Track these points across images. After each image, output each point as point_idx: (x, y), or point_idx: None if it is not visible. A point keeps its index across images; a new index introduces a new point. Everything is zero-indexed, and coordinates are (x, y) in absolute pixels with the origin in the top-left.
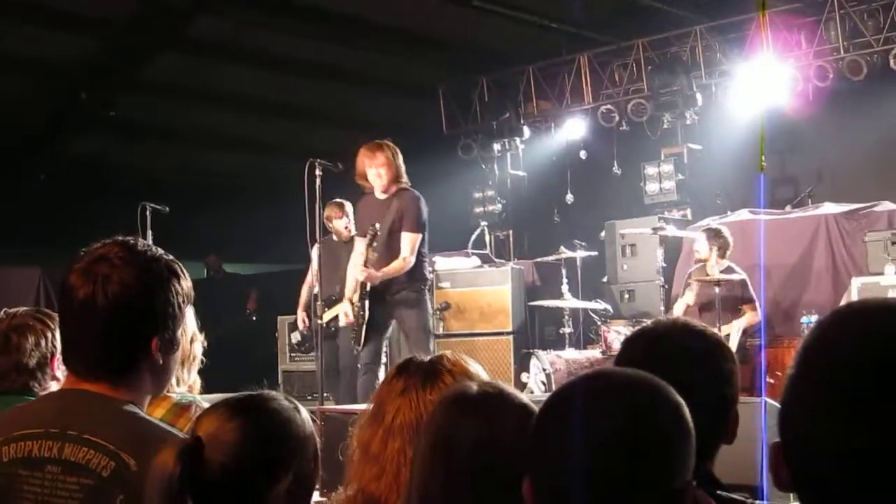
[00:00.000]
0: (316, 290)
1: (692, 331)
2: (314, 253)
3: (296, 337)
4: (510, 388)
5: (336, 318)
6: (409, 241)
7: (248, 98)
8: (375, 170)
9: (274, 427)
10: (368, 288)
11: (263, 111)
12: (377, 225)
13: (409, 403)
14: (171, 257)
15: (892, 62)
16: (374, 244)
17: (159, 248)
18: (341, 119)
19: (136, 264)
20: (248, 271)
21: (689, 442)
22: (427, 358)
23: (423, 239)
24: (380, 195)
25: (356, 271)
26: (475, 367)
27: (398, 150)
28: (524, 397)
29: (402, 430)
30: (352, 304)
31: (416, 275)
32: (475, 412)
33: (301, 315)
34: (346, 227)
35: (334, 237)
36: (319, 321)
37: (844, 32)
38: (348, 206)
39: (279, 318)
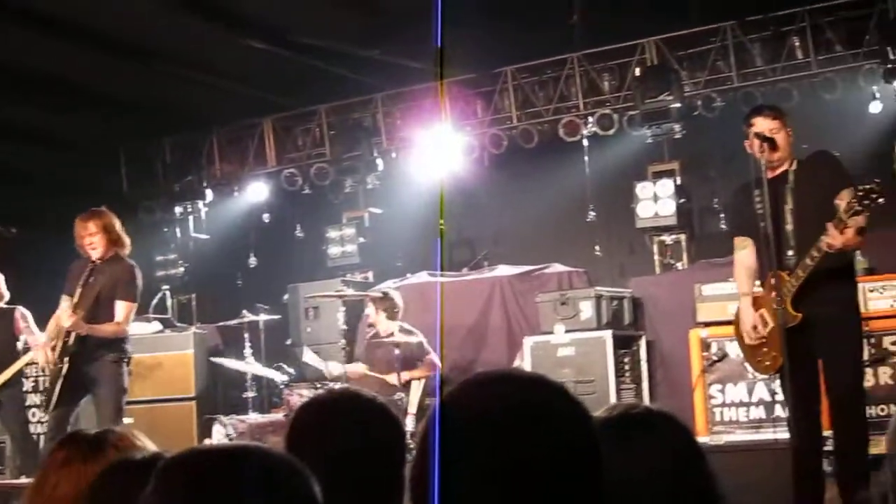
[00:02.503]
0: None
1: (361, 400)
2: None
3: None
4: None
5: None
6: (123, 309)
7: None
8: (88, 239)
9: None
10: (72, 342)
11: None
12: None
13: (69, 475)
14: None
15: (560, 131)
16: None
17: None
18: (15, 179)
19: None
20: None
21: None
22: (93, 431)
23: (133, 311)
24: (95, 259)
25: (62, 316)
26: (145, 442)
27: (113, 218)
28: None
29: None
30: (53, 352)
31: (121, 345)
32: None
33: None
34: None
35: None
36: None
37: (517, 102)
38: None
39: None
